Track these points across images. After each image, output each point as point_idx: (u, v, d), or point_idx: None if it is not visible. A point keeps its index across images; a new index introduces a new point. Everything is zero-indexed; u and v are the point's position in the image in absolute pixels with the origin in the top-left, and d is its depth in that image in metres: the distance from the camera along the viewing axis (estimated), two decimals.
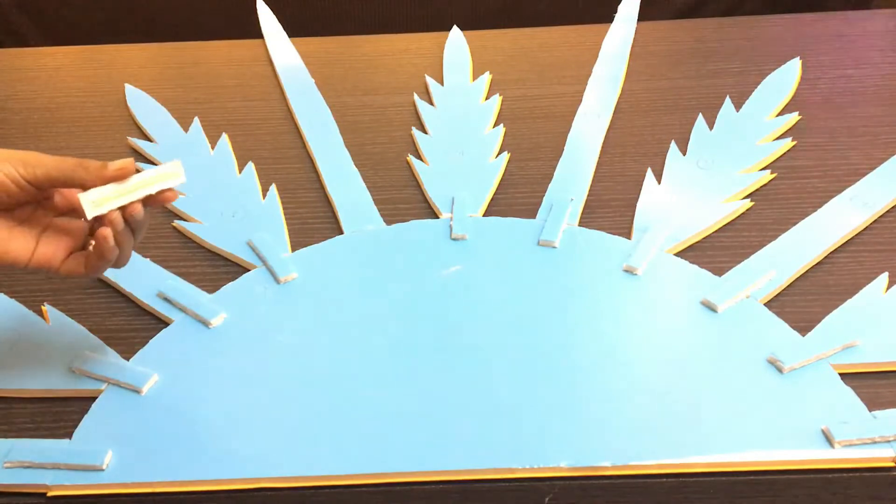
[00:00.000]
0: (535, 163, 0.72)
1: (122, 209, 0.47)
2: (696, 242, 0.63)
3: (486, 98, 0.80)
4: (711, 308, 0.57)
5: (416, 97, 0.80)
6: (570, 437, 0.49)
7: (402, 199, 0.69)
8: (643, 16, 0.90)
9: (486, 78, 0.82)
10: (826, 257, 0.61)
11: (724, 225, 0.64)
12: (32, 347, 0.56)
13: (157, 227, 0.66)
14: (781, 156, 0.71)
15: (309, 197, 0.69)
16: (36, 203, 0.49)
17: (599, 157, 0.72)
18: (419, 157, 0.73)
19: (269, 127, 0.78)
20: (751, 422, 0.49)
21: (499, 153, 0.72)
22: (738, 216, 0.65)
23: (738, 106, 0.76)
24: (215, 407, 0.51)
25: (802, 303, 0.57)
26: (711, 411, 0.50)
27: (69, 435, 0.50)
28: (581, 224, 0.65)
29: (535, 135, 0.75)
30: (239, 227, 0.65)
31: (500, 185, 0.69)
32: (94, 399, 0.52)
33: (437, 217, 0.66)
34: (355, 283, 0.60)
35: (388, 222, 0.65)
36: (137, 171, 0.47)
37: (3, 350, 0.56)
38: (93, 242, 0.49)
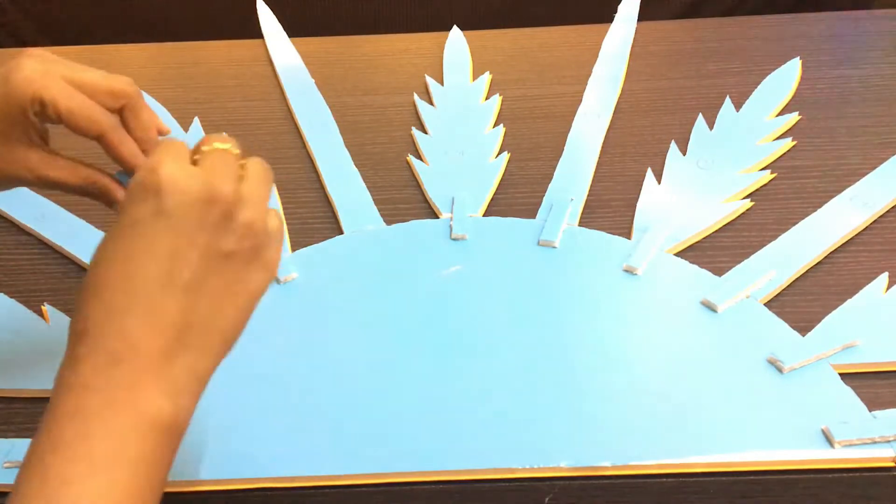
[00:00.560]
0: (535, 163, 0.72)
1: None
2: (696, 242, 0.63)
3: (486, 98, 0.80)
4: (711, 308, 0.57)
5: (416, 97, 0.80)
6: (570, 437, 0.49)
7: (402, 199, 0.69)
8: (643, 16, 0.90)
9: (486, 78, 0.82)
10: (826, 257, 0.61)
11: (724, 225, 0.64)
12: (32, 347, 0.56)
13: None
14: (781, 156, 0.71)
15: (309, 197, 0.69)
16: None
17: (599, 157, 0.72)
18: (419, 157, 0.73)
19: (269, 127, 0.78)
20: (751, 422, 0.49)
21: (499, 153, 0.72)
22: (738, 216, 0.65)
23: (738, 106, 0.76)
24: (215, 407, 0.51)
25: (802, 303, 0.57)
26: (711, 411, 0.50)
27: None
28: (581, 224, 0.65)
29: (535, 135, 0.75)
30: None
31: (500, 185, 0.69)
32: None
33: (437, 217, 0.66)
34: (355, 283, 0.60)
35: (388, 222, 0.65)
36: None
37: (3, 350, 0.56)
38: None
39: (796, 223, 0.63)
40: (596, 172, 0.70)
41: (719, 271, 0.59)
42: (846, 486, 0.47)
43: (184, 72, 0.87)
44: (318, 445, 0.49)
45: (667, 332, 0.56)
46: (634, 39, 0.87)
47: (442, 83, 0.82)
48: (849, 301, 0.57)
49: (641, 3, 0.92)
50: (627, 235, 0.63)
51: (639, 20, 0.90)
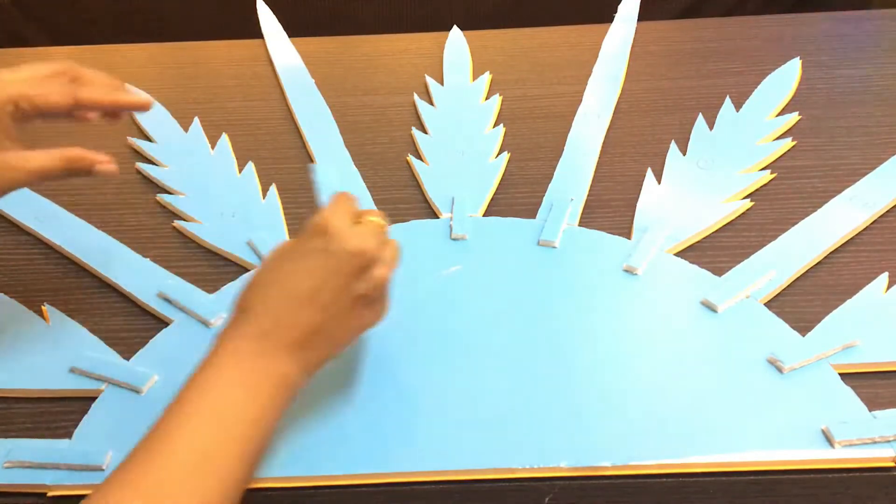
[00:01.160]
0: (535, 163, 0.72)
1: None
2: (696, 242, 0.63)
3: (486, 98, 0.80)
4: (711, 308, 0.57)
5: (416, 97, 0.80)
6: (570, 437, 0.49)
7: (402, 199, 0.69)
8: (643, 16, 0.90)
9: (486, 78, 0.82)
10: (826, 257, 0.61)
11: (724, 225, 0.64)
12: (32, 347, 0.56)
13: (157, 228, 0.66)
14: (781, 156, 0.71)
15: (309, 197, 0.69)
16: None
17: (599, 157, 0.72)
18: (419, 157, 0.73)
19: (269, 127, 0.78)
20: (751, 422, 0.49)
21: (499, 153, 0.72)
22: (738, 216, 0.65)
23: (738, 106, 0.76)
24: None
25: (802, 303, 0.57)
26: (711, 411, 0.50)
27: (69, 435, 0.50)
28: (581, 224, 0.65)
29: (535, 135, 0.75)
30: (239, 227, 0.65)
31: (500, 185, 0.69)
32: (94, 399, 0.52)
33: (437, 217, 0.66)
34: None
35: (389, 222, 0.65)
36: None
37: (3, 350, 0.56)
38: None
39: (796, 223, 0.63)
40: (596, 172, 0.70)
41: (719, 271, 0.59)
42: (846, 486, 0.47)
43: (184, 72, 0.87)
44: (318, 445, 0.49)
45: (667, 332, 0.56)
46: (634, 39, 0.87)
47: (442, 83, 0.82)
48: (849, 301, 0.57)
49: (641, 3, 0.92)
50: (627, 235, 0.63)
51: (639, 20, 0.90)
